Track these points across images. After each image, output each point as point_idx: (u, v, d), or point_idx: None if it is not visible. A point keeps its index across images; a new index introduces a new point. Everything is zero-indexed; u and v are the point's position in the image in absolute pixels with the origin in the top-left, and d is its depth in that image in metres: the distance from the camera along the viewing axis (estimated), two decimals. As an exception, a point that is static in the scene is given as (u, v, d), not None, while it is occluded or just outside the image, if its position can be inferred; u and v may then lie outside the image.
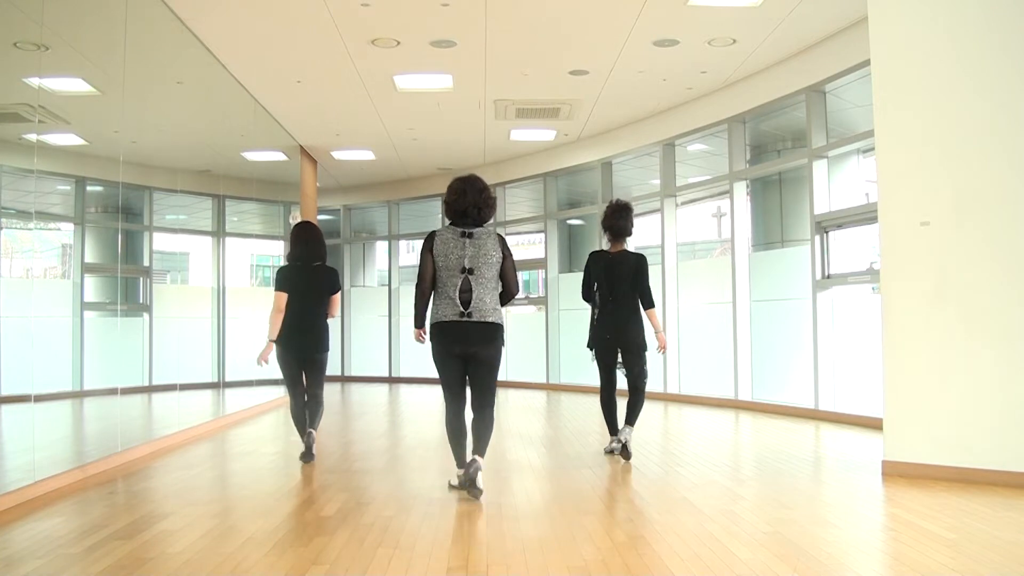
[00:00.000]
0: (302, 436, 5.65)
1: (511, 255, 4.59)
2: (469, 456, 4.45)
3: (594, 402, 10.22)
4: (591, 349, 5.79)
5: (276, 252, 12.14)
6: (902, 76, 5.10)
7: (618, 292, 5.65)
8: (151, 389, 7.30)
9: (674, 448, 6.18)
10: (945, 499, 4.32)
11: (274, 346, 5.47)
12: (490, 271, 4.47)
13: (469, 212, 4.51)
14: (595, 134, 11.24)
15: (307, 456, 5.56)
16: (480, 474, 4.35)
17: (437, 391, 13.45)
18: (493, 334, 4.47)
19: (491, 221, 4.71)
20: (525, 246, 16.18)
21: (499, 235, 4.63)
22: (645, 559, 3.30)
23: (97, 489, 4.86)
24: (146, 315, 7.14)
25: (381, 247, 15.79)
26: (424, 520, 3.96)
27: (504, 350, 4.59)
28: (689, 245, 14.18)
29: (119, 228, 6.47)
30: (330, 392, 12.49)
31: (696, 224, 14.73)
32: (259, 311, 10.73)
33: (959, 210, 4.85)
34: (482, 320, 4.42)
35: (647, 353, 5.71)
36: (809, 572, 3.12)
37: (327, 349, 5.80)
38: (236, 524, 4.05)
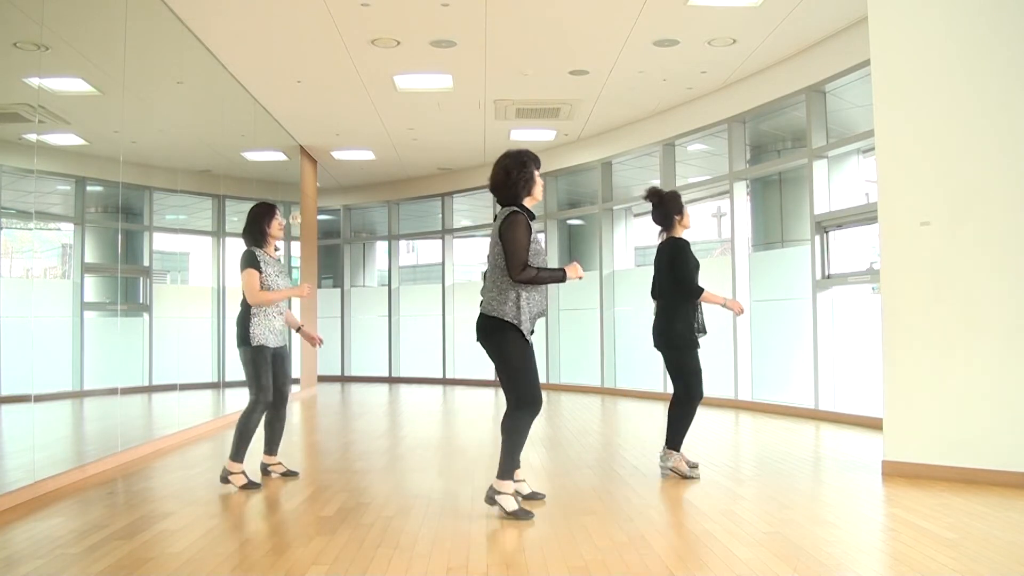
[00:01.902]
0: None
1: (507, 234, 4.08)
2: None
3: (594, 401, 10.27)
4: (690, 344, 5.04)
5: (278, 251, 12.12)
6: (902, 76, 5.10)
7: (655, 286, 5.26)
8: (151, 389, 7.29)
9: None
10: (945, 499, 4.32)
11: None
12: (493, 259, 4.19)
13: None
14: (595, 134, 11.24)
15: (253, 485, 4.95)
16: (496, 496, 4.04)
17: (436, 391, 13.44)
18: (483, 326, 4.15)
19: (520, 200, 4.22)
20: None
21: (509, 213, 4.14)
22: (645, 559, 3.30)
23: (97, 489, 4.86)
24: (146, 315, 7.14)
25: (381, 247, 15.79)
26: (424, 520, 3.96)
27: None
28: (689, 245, 14.16)
29: (119, 228, 6.46)
30: (330, 392, 12.52)
31: (696, 224, 14.72)
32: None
33: (959, 210, 4.85)
34: (481, 312, 4.18)
35: (679, 357, 5.04)
36: (809, 572, 3.12)
37: (238, 341, 5.11)
38: (236, 524, 4.05)
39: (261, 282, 4.99)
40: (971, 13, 4.91)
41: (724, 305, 5.14)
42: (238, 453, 4.96)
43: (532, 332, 4.22)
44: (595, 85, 8.98)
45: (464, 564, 3.26)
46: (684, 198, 11.20)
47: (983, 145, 4.83)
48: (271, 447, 5.28)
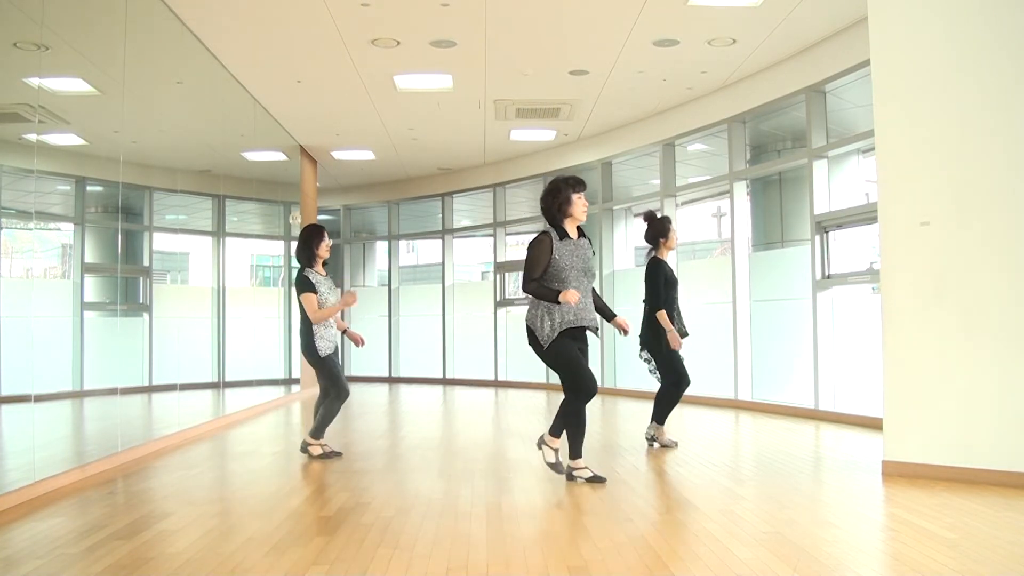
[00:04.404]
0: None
1: (528, 252, 4.83)
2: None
3: (594, 401, 10.20)
4: (663, 347, 6.06)
5: (276, 252, 12.14)
6: (902, 76, 5.10)
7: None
8: (151, 389, 7.29)
9: (674, 448, 6.17)
10: (945, 499, 4.32)
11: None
12: None
13: None
14: (595, 134, 11.24)
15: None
16: (543, 445, 4.88)
17: (436, 391, 13.46)
18: (527, 334, 4.84)
19: (559, 223, 4.98)
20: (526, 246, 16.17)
21: (539, 234, 4.86)
22: (645, 559, 3.30)
23: (97, 489, 4.86)
24: (146, 315, 7.14)
25: (381, 247, 15.79)
26: (424, 520, 3.96)
27: (543, 348, 4.75)
28: (689, 245, 14.17)
29: (119, 228, 6.47)
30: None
31: (696, 224, 14.73)
32: (259, 311, 10.77)
33: (959, 210, 4.85)
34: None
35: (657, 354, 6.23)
36: (809, 572, 3.12)
37: (304, 351, 5.87)
38: (236, 524, 4.05)
39: (317, 302, 5.72)
40: (971, 13, 4.91)
41: (672, 343, 6.08)
42: (318, 432, 5.87)
43: (582, 328, 4.80)
44: (595, 85, 8.98)
45: (464, 564, 3.26)
46: (684, 198, 11.25)
47: (983, 144, 4.83)
48: (320, 432, 5.91)
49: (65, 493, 4.71)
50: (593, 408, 9.49)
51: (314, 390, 12.14)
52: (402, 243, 15.61)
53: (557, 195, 4.85)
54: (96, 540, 3.63)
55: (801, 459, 5.85)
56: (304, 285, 5.72)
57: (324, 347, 5.76)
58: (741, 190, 9.35)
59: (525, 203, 13.51)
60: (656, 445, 6.14)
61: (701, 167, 11.02)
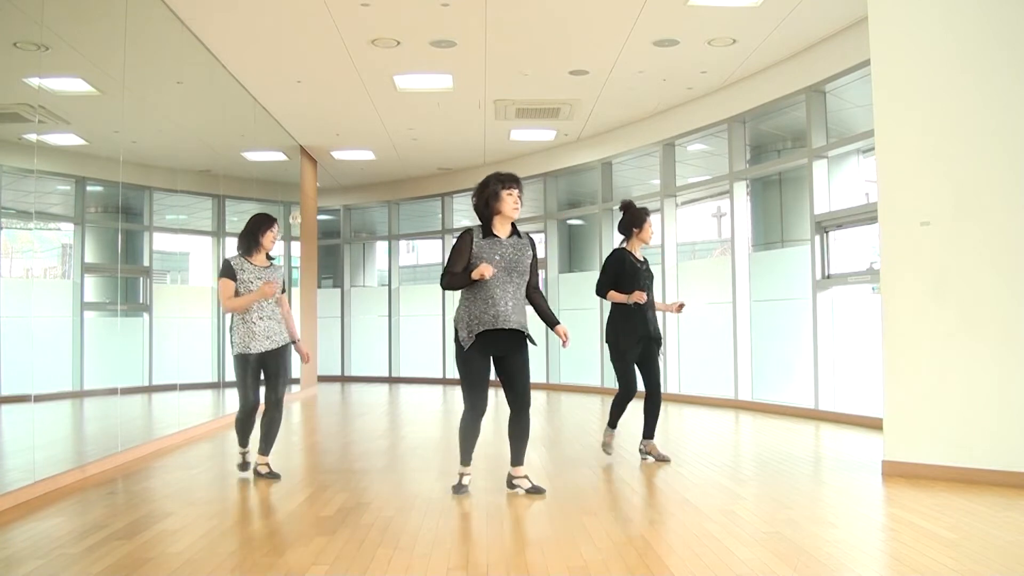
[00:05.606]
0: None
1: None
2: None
3: (594, 401, 10.26)
4: (616, 346, 5.60)
5: (276, 252, 12.13)
6: (902, 76, 5.10)
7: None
8: (151, 389, 7.29)
9: (674, 448, 6.17)
10: (945, 499, 4.32)
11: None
12: None
13: None
14: (595, 134, 11.24)
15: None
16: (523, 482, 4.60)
17: (436, 391, 13.45)
18: None
19: (489, 220, 4.58)
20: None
21: (461, 232, 4.60)
22: (645, 559, 3.30)
23: (97, 489, 4.86)
24: (146, 315, 7.14)
25: (381, 247, 15.79)
26: (424, 520, 3.97)
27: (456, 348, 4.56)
28: (689, 245, 14.17)
29: (119, 228, 6.46)
30: (330, 392, 12.52)
31: (696, 224, 14.73)
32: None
33: (959, 210, 4.85)
34: None
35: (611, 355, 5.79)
36: (809, 572, 3.12)
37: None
38: (236, 524, 4.05)
39: (237, 291, 5.02)
40: (971, 13, 4.91)
41: (629, 302, 5.52)
42: (239, 443, 5.24)
43: (510, 332, 4.50)
44: (595, 85, 8.98)
45: (464, 564, 3.26)
46: (684, 198, 11.22)
47: (983, 144, 4.83)
48: (262, 447, 5.14)
49: (65, 493, 4.71)
50: (592, 408, 9.51)
51: (312, 389, 12.20)
52: (402, 243, 15.61)
53: (485, 189, 4.51)
54: (96, 540, 3.63)
55: (801, 459, 5.85)
56: (222, 269, 5.05)
57: (236, 343, 4.98)
58: (741, 190, 9.35)
59: (525, 203, 13.50)
60: (650, 458, 5.68)
61: (701, 167, 11.02)
